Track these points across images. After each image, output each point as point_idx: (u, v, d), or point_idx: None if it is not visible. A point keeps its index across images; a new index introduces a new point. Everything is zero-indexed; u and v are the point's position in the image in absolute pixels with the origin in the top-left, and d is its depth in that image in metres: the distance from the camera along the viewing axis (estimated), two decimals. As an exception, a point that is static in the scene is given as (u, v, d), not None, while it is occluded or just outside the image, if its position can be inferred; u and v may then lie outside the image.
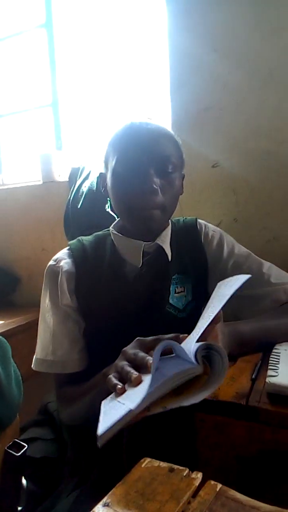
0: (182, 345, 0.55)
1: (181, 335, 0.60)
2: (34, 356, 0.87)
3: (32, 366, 0.86)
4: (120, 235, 0.89)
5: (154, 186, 0.78)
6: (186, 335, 0.59)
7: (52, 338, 0.85)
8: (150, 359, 0.55)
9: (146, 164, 0.79)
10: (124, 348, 0.63)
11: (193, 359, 0.50)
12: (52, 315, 0.86)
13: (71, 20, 1.93)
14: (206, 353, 0.52)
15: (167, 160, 0.81)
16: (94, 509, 0.39)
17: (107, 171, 0.87)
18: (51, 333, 0.85)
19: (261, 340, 0.77)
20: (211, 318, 0.56)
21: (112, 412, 0.49)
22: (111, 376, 0.58)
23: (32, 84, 2.05)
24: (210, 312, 0.57)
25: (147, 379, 0.50)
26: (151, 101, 1.72)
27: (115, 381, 0.56)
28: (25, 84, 2.08)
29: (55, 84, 1.94)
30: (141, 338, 0.64)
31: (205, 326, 0.55)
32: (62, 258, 0.89)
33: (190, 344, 0.53)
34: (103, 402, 0.54)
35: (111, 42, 1.84)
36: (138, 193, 0.79)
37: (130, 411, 0.46)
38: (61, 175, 1.78)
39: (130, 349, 0.62)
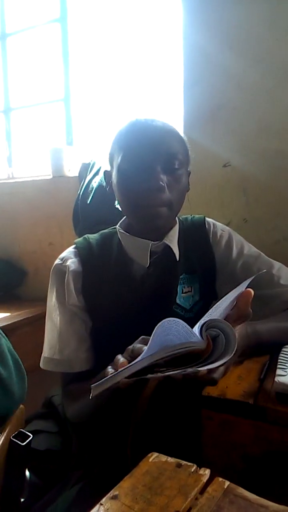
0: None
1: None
2: (42, 355, 0.87)
3: (40, 364, 0.87)
4: (127, 234, 0.88)
5: (161, 183, 0.77)
6: None
7: (59, 337, 0.85)
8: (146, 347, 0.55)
9: (152, 161, 0.79)
10: (128, 347, 0.63)
11: (197, 334, 0.49)
12: (59, 314, 0.86)
13: (86, 15, 1.93)
14: (213, 331, 0.51)
15: (173, 157, 0.80)
16: (101, 501, 0.39)
17: (113, 169, 0.86)
18: (58, 332, 0.85)
19: (277, 341, 0.77)
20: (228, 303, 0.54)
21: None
22: (107, 367, 0.58)
23: (45, 79, 2.05)
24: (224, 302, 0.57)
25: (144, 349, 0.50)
26: (163, 98, 1.71)
27: (109, 369, 0.57)
28: (38, 78, 2.08)
29: (67, 79, 1.94)
30: (146, 336, 0.63)
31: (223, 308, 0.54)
32: (69, 257, 0.89)
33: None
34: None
35: (125, 38, 1.83)
36: (145, 190, 0.78)
37: (123, 370, 0.46)
38: (71, 170, 1.78)
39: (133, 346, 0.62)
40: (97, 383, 0.46)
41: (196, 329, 0.49)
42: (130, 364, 0.46)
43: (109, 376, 0.46)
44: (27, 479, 0.84)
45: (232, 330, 0.50)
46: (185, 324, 0.51)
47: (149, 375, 0.49)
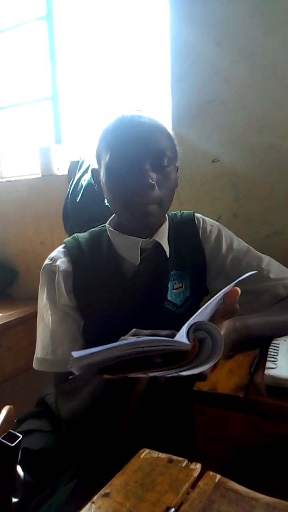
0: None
1: (177, 333, 0.60)
2: (35, 356, 0.86)
3: (33, 365, 0.86)
4: (116, 232, 0.87)
5: (151, 181, 0.77)
6: None
7: (52, 338, 0.84)
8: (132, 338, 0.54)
9: (141, 159, 0.78)
10: (122, 337, 0.62)
11: (184, 335, 0.48)
12: (50, 315, 0.86)
13: (72, 12, 1.91)
14: (201, 334, 0.50)
15: (162, 154, 0.80)
16: (93, 499, 0.39)
17: (100, 167, 0.86)
18: (50, 333, 0.85)
19: (267, 335, 0.77)
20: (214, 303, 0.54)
21: None
22: None
23: (32, 77, 2.03)
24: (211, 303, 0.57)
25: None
26: (151, 93, 1.71)
27: None
28: (25, 76, 2.06)
29: (55, 77, 1.93)
30: (138, 329, 0.63)
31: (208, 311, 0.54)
32: (58, 257, 0.88)
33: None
34: None
35: (112, 35, 1.82)
36: (135, 188, 0.78)
37: (106, 347, 0.45)
38: (60, 169, 1.77)
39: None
40: (79, 354, 0.45)
41: (184, 330, 0.49)
42: (115, 344, 0.45)
43: (92, 351, 0.45)
44: (21, 479, 0.84)
45: (219, 334, 0.49)
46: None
47: (133, 375, 0.48)
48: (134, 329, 0.64)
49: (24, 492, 0.83)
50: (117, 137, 0.81)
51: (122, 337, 0.62)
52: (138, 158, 0.78)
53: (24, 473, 0.85)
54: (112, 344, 0.46)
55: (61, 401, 0.86)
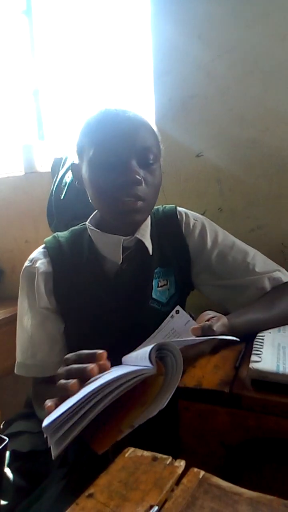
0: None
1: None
2: (16, 360, 0.86)
3: (15, 371, 0.85)
4: (97, 230, 0.86)
5: (138, 176, 0.76)
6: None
7: (31, 342, 0.83)
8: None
9: (128, 155, 0.77)
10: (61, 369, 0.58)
11: (147, 360, 0.47)
12: (30, 318, 0.85)
13: (53, 6, 1.88)
14: (161, 353, 0.50)
15: (149, 151, 0.79)
16: (77, 501, 0.39)
17: (82, 162, 0.83)
18: (29, 337, 0.84)
19: (252, 331, 0.77)
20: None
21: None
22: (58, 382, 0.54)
23: (13, 73, 2.00)
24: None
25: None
26: (134, 89, 1.69)
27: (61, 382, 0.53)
28: (6, 72, 2.03)
29: (36, 73, 1.90)
30: (81, 351, 0.59)
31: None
32: (38, 258, 0.87)
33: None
34: None
35: (94, 30, 1.80)
36: (121, 184, 0.76)
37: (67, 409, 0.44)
38: (44, 166, 1.75)
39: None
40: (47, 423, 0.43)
41: (146, 354, 0.48)
42: (79, 397, 0.44)
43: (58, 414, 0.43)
44: (10, 481, 0.83)
45: (178, 352, 0.50)
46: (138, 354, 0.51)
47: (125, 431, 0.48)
48: (76, 352, 0.59)
49: (13, 494, 0.82)
50: (101, 131, 0.79)
51: (61, 370, 0.57)
52: (124, 154, 0.76)
53: (13, 476, 0.84)
54: (77, 398, 0.44)
55: (36, 404, 0.85)
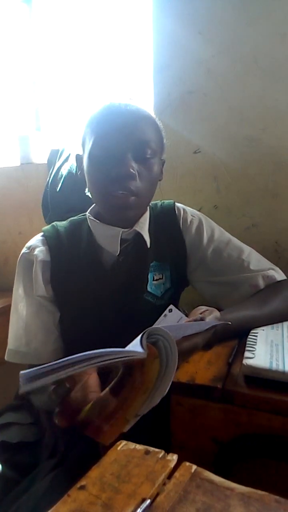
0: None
1: None
2: (7, 347, 0.85)
3: (5, 357, 0.85)
4: (97, 221, 0.86)
5: (131, 170, 0.75)
6: None
7: (26, 330, 0.83)
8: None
9: (124, 148, 0.76)
10: None
11: (138, 346, 0.47)
12: (25, 306, 0.84)
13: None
14: (152, 339, 0.50)
15: (146, 145, 0.78)
16: (68, 492, 0.39)
17: (84, 153, 0.84)
18: (24, 324, 0.83)
19: (244, 328, 0.77)
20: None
21: None
22: None
23: (11, 63, 1.97)
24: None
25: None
26: (133, 82, 1.68)
27: None
28: (4, 62, 2.00)
29: (35, 64, 1.88)
30: None
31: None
32: (36, 245, 0.86)
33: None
34: None
35: (94, 22, 1.78)
36: (114, 177, 0.76)
37: (57, 364, 0.42)
38: (40, 157, 1.73)
39: None
40: (27, 374, 0.42)
41: (137, 339, 0.48)
42: (67, 359, 0.42)
43: (41, 369, 0.42)
44: (0, 473, 0.83)
45: (170, 336, 0.50)
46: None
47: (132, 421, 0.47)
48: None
49: (2, 486, 0.82)
50: (101, 124, 0.79)
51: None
52: (120, 147, 0.76)
53: (2, 467, 0.84)
54: (63, 360, 0.42)
55: (32, 393, 0.85)
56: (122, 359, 0.45)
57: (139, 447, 0.45)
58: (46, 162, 1.64)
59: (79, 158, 0.88)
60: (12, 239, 1.82)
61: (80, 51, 1.82)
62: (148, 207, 0.91)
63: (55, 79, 1.89)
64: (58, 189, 1.40)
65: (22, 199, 1.75)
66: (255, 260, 0.92)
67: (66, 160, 1.48)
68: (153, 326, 0.50)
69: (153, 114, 0.85)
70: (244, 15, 1.26)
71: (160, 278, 0.89)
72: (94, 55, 1.79)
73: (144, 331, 0.49)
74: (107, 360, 0.44)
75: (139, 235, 0.86)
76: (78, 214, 0.95)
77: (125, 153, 0.76)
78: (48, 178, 1.49)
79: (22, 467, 0.85)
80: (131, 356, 0.46)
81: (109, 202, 0.79)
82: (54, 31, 1.88)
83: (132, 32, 1.67)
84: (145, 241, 0.86)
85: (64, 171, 1.43)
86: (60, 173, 1.44)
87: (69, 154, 1.51)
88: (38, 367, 0.42)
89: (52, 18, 1.87)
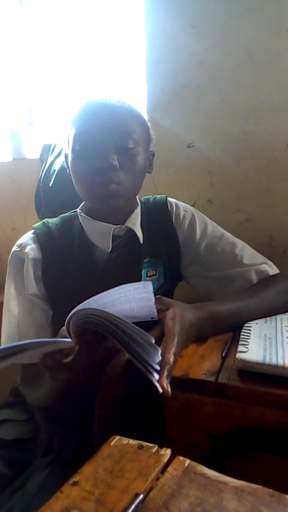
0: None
1: None
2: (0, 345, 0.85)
3: None
4: (88, 218, 0.86)
5: (112, 161, 0.75)
6: None
7: (18, 328, 0.83)
8: None
9: (104, 140, 0.77)
10: None
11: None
12: (17, 304, 0.84)
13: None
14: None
15: (127, 136, 0.78)
16: (61, 488, 0.39)
17: (69, 150, 0.84)
18: (16, 323, 0.83)
19: (236, 321, 0.77)
20: None
21: None
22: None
23: (2, 57, 1.95)
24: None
25: None
26: (126, 76, 1.67)
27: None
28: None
29: (26, 58, 1.86)
30: None
31: None
32: (27, 243, 0.86)
33: None
34: None
35: (86, 16, 1.76)
36: (95, 169, 0.76)
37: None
38: (33, 152, 1.72)
39: None
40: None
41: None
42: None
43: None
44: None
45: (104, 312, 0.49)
46: None
47: None
48: None
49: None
50: (81, 119, 0.79)
51: None
52: (101, 139, 0.77)
53: (-3, 464, 0.84)
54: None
55: (26, 386, 0.85)
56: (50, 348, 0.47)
57: (132, 442, 0.45)
58: (38, 157, 1.63)
59: (66, 156, 0.88)
60: (6, 235, 1.81)
61: (73, 46, 1.80)
62: (139, 203, 0.91)
63: (47, 74, 1.87)
64: (50, 185, 1.39)
65: (15, 195, 1.73)
66: (249, 254, 0.92)
67: (58, 155, 1.47)
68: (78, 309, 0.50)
69: (137, 106, 0.84)
70: (237, 8, 1.25)
71: (153, 274, 0.89)
72: (87, 50, 1.77)
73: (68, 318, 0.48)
74: (35, 349, 0.45)
75: (131, 232, 0.86)
76: (71, 209, 0.94)
77: (106, 145, 0.77)
78: (40, 173, 1.47)
79: (17, 464, 0.85)
80: (58, 346, 0.47)
81: (92, 193, 0.79)
82: (46, 25, 1.86)
83: (125, 26, 1.66)
84: (137, 237, 0.86)
85: (56, 166, 1.42)
86: (52, 169, 1.43)
87: (61, 149, 1.50)
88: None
89: (44, 13, 1.85)
